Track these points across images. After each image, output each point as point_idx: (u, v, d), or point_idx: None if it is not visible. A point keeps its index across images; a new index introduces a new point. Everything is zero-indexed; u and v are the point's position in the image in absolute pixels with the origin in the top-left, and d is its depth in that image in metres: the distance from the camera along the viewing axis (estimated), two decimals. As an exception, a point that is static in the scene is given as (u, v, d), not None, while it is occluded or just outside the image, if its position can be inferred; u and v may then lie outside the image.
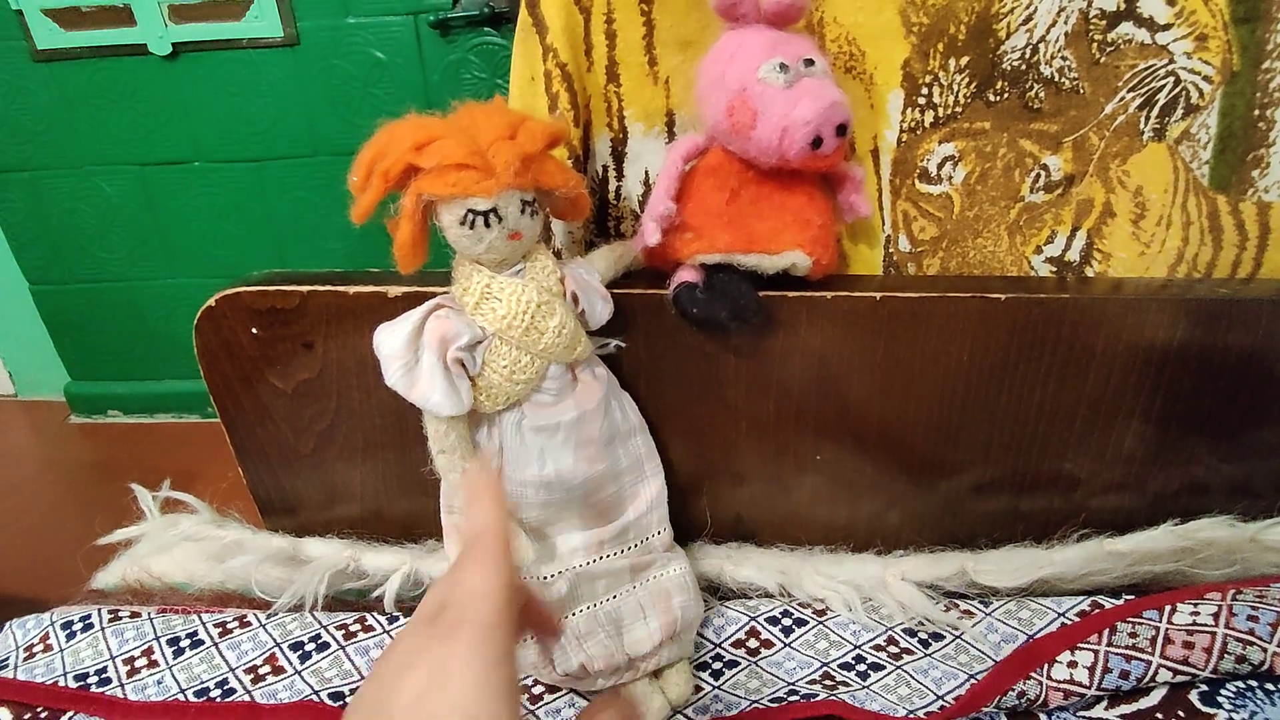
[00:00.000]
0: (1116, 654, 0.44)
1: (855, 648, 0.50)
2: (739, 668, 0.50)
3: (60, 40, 1.28)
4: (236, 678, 0.50)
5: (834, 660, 0.50)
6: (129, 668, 0.52)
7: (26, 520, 1.32)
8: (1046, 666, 0.45)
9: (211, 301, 0.51)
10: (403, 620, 0.54)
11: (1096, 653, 0.45)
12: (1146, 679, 0.44)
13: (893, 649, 0.50)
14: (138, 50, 1.28)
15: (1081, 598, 0.50)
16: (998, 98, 0.51)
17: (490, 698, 0.22)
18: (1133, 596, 0.49)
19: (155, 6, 1.24)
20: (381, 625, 0.54)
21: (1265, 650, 0.43)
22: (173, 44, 1.27)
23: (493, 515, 0.28)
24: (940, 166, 0.53)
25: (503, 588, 0.25)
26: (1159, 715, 0.43)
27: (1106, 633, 0.45)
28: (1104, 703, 0.45)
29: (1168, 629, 0.45)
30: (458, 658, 0.23)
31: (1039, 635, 0.48)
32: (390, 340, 0.43)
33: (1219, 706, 0.43)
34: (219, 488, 0.62)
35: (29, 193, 1.43)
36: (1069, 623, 0.49)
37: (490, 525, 0.27)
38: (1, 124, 1.36)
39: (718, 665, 0.50)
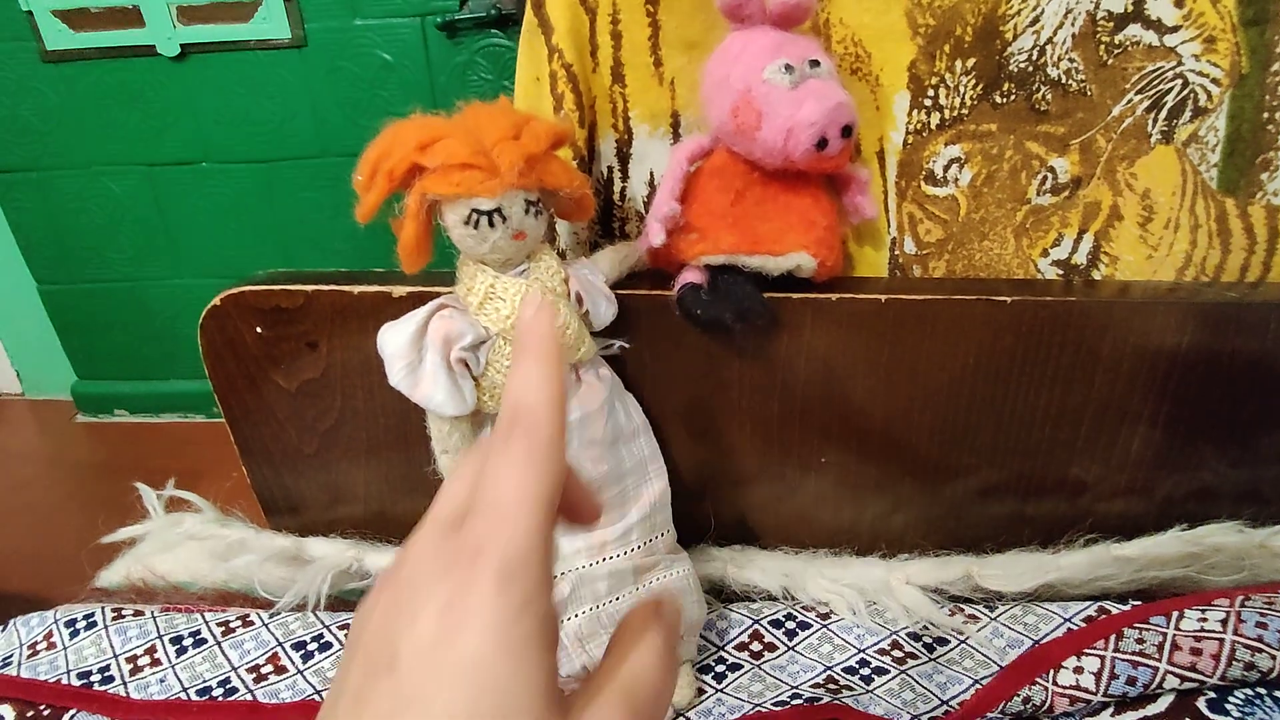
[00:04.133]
0: (1123, 660, 0.44)
1: (859, 651, 0.50)
2: (742, 670, 0.50)
3: (69, 41, 1.29)
4: (239, 677, 0.50)
5: (838, 664, 0.49)
6: (132, 666, 0.52)
7: (32, 518, 1.32)
8: (1052, 672, 0.45)
9: (216, 300, 0.51)
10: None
11: (1103, 658, 0.44)
12: (1153, 685, 0.43)
13: (897, 653, 0.50)
14: (146, 51, 1.28)
15: (1088, 603, 0.50)
16: (1004, 100, 0.51)
17: (510, 656, 0.18)
18: (1140, 602, 0.49)
19: (164, 8, 1.25)
20: (384, 625, 0.54)
21: (1274, 658, 0.42)
22: (181, 45, 1.27)
23: (540, 387, 0.20)
24: (946, 168, 0.53)
25: (542, 499, 0.19)
26: (1166, 722, 0.43)
27: (1113, 638, 0.45)
28: (1110, 709, 0.44)
29: (1175, 635, 0.44)
30: (476, 597, 0.18)
31: (1045, 640, 0.48)
32: (394, 340, 0.43)
33: (1227, 714, 0.42)
34: (223, 487, 0.62)
35: (37, 193, 1.43)
36: (1075, 628, 0.48)
37: (536, 402, 0.20)
38: (11, 124, 1.37)
39: (720, 668, 0.50)
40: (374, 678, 0.18)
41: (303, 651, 0.52)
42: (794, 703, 0.46)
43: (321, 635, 0.53)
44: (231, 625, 0.54)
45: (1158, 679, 0.43)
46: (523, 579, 0.18)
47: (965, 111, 0.51)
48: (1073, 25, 0.49)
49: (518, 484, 0.19)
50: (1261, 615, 0.44)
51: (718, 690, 0.49)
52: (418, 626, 0.18)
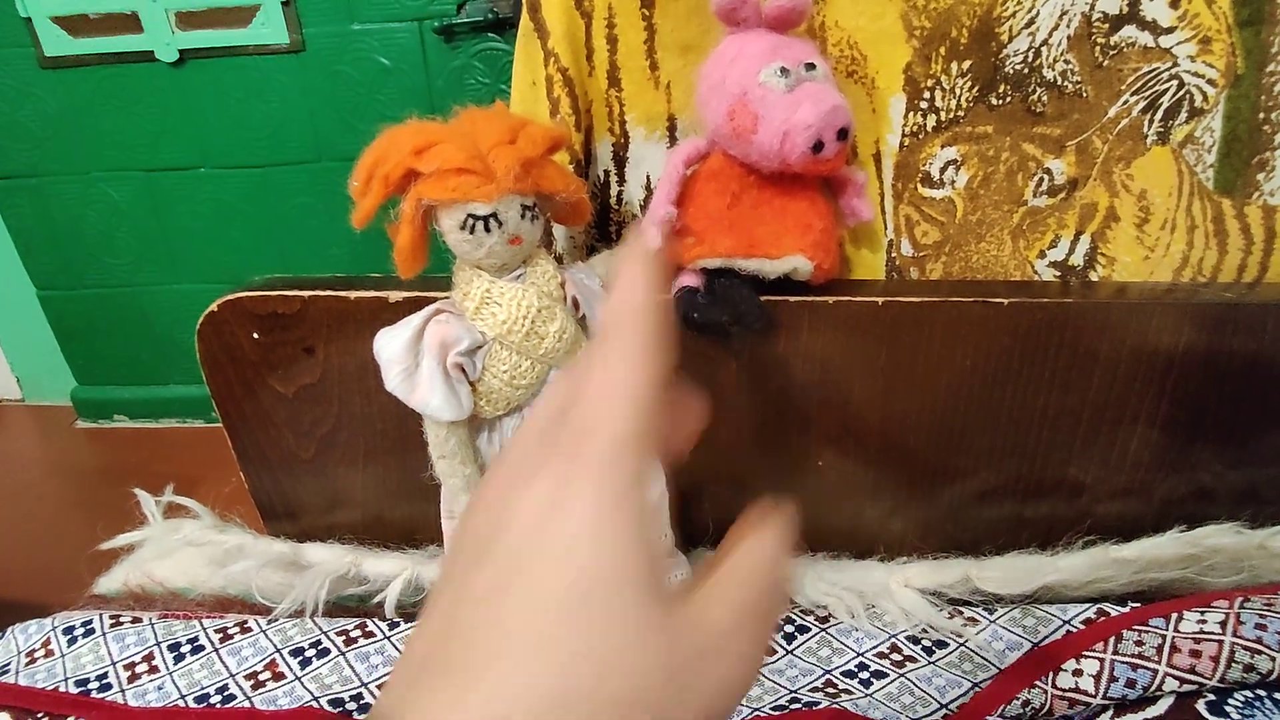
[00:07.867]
0: (1122, 662, 0.44)
1: (858, 655, 0.50)
2: (741, 675, 0.50)
3: (68, 47, 1.29)
4: (237, 683, 0.50)
5: (836, 668, 0.49)
6: (130, 673, 0.52)
7: (31, 524, 1.32)
8: (1051, 675, 0.44)
9: (214, 306, 0.51)
10: (404, 626, 0.54)
11: (1102, 661, 0.44)
12: (1153, 688, 0.43)
13: (896, 656, 0.50)
14: (145, 57, 1.29)
15: (1087, 605, 0.50)
16: (1000, 101, 0.51)
17: (613, 536, 0.18)
18: (1139, 604, 0.49)
19: (162, 13, 1.25)
20: (382, 631, 0.53)
21: (1274, 659, 0.42)
22: (179, 50, 1.28)
23: (638, 294, 0.21)
24: (943, 170, 0.53)
25: (640, 394, 0.20)
26: (1165, 724, 0.43)
27: (1112, 640, 0.45)
28: (1110, 712, 0.44)
29: (1174, 637, 0.44)
30: (580, 482, 0.19)
31: (1044, 643, 0.48)
32: (390, 345, 0.43)
33: (1226, 716, 0.42)
34: (221, 493, 0.62)
35: (37, 199, 1.44)
36: (1074, 630, 0.48)
37: (634, 308, 0.21)
38: (9, 130, 1.37)
39: (719, 672, 0.50)
40: (480, 556, 0.19)
41: (301, 658, 0.52)
42: (792, 707, 0.46)
43: (319, 642, 0.53)
44: (230, 632, 0.54)
45: (1157, 681, 0.43)
46: (626, 463, 0.19)
47: (961, 113, 0.51)
48: (1068, 27, 0.49)
49: (620, 376, 0.20)
50: (1261, 617, 0.44)
51: (717, 694, 0.49)
52: (525, 503, 0.19)
